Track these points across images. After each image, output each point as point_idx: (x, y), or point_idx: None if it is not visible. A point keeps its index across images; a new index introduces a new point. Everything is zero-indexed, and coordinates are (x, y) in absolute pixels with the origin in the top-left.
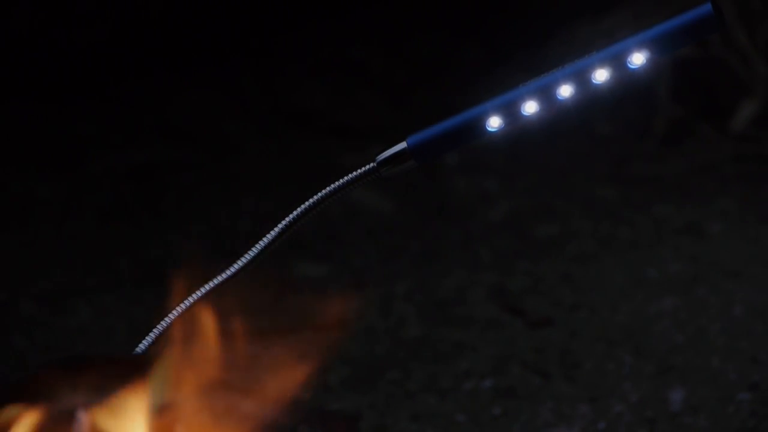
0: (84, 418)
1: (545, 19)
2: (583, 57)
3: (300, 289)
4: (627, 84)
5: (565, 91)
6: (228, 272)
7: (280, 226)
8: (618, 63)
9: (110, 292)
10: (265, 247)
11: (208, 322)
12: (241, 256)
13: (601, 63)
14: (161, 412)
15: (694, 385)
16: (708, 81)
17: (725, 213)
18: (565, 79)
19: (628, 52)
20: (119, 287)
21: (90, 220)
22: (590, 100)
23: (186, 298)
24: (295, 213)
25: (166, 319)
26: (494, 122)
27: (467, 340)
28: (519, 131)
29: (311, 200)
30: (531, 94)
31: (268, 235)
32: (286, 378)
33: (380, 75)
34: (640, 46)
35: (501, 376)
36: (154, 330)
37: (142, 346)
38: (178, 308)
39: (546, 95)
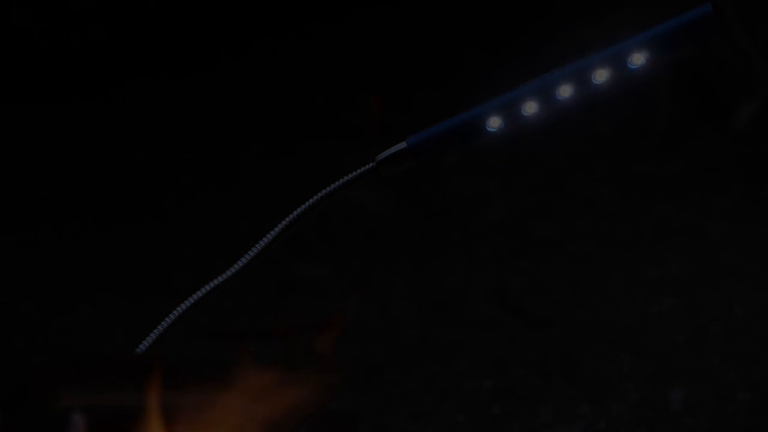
0: (80, 420)
1: (545, 19)
2: (583, 57)
3: (300, 289)
4: (627, 84)
5: (565, 91)
6: (228, 272)
7: (280, 226)
8: (618, 63)
9: (110, 292)
10: (265, 247)
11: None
12: (241, 256)
13: (601, 63)
14: (163, 413)
15: (694, 385)
16: (708, 81)
17: (725, 213)
18: (565, 79)
19: (628, 52)
20: (119, 287)
21: (90, 220)
22: (590, 100)
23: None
24: (295, 213)
25: (167, 318)
26: (494, 122)
27: (467, 340)
28: (519, 131)
29: (311, 200)
30: (531, 94)
31: (268, 235)
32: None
33: (380, 75)
34: (640, 46)
35: (501, 376)
36: (155, 330)
37: (142, 346)
38: (179, 308)
39: (546, 95)
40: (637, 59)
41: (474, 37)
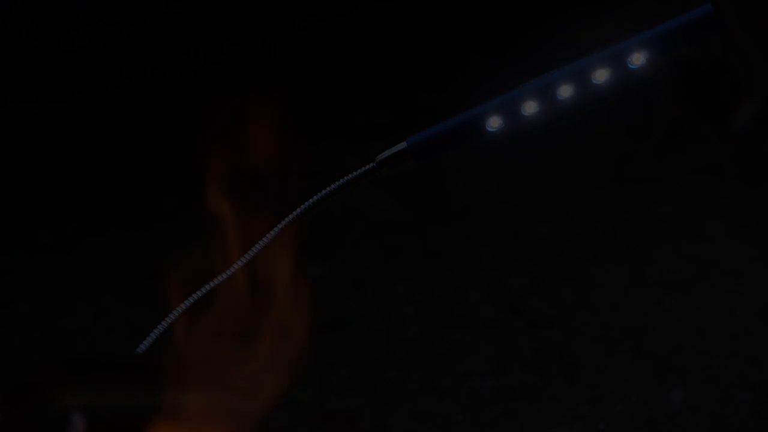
0: (80, 420)
1: (545, 20)
2: (583, 57)
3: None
4: (627, 84)
5: (565, 91)
6: (228, 272)
7: (280, 226)
8: (618, 63)
9: (110, 292)
10: (265, 247)
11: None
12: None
13: (601, 63)
14: (162, 412)
15: (694, 385)
16: (708, 81)
17: (725, 213)
18: (565, 79)
19: (628, 52)
20: (119, 287)
21: (90, 221)
22: (590, 100)
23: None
24: (295, 213)
25: (167, 319)
26: (494, 122)
27: (467, 340)
28: (519, 131)
29: (311, 200)
30: (531, 94)
31: (268, 235)
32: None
33: (381, 75)
34: (640, 46)
35: (501, 376)
36: (155, 330)
37: (142, 346)
38: (179, 308)
39: (546, 95)
40: (637, 59)
41: (474, 37)
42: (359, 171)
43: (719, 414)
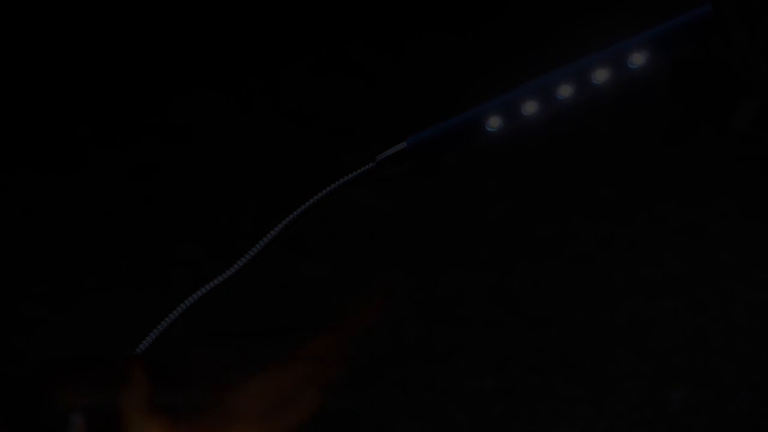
0: (79, 420)
1: (545, 19)
2: (583, 57)
3: (300, 289)
4: (627, 84)
5: (565, 91)
6: (228, 272)
7: (280, 226)
8: (618, 63)
9: (110, 292)
10: (265, 247)
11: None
12: (241, 256)
13: (601, 63)
14: (162, 412)
15: (694, 385)
16: (708, 81)
17: (725, 213)
18: (565, 79)
19: (628, 52)
20: (119, 287)
21: (90, 220)
22: (590, 100)
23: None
24: (295, 213)
25: (167, 318)
26: (494, 122)
27: (467, 340)
28: (519, 131)
29: (311, 200)
30: (531, 94)
31: (268, 235)
32: (287, 378)
33: (380, 75)
34: (640, 46)
35: (501, 376)
36: (154, 330)
37: (142, 346)
38: (179, 308)
39: (546, 95)
40: (637, 59)
41: (474, 37)
42: (359, 171)
43: (719, 414)
